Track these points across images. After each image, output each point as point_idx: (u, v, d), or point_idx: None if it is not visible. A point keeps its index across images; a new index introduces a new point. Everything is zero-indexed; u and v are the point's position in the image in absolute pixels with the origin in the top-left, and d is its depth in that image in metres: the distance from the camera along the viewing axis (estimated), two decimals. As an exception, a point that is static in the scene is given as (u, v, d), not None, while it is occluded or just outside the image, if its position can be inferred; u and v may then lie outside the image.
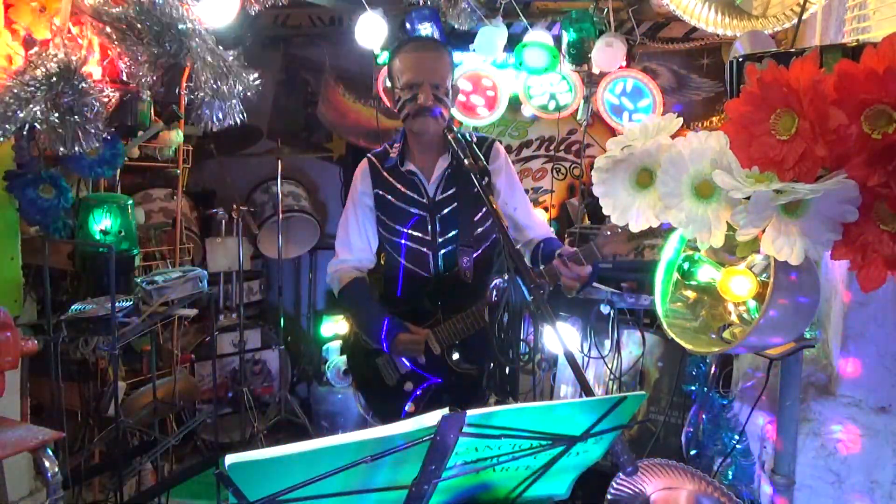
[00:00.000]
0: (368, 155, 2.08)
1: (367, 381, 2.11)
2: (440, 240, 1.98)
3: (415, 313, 1.99)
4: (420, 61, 1.89)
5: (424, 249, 1.99)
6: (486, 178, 1.67)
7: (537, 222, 2.11)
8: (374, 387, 2.08)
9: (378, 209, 2.03)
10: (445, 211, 1.97)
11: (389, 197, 2.00)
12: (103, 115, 1.76)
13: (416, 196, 1.98)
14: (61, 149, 1.68)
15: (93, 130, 1.71)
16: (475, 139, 2.01)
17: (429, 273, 2.00)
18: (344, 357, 2.15)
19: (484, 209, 1.94)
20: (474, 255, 1.95)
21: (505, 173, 2.03)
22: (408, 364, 2.01)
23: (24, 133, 1.90)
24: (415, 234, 1.99)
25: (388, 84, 2.00)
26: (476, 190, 1.92)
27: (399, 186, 1.99)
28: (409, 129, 1.96)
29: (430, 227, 1.98)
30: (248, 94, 1.93)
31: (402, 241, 2.00)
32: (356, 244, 2.08)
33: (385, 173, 2.02)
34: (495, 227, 2.00)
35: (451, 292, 1.96)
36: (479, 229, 1.98)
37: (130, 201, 2.54)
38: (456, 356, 1.96)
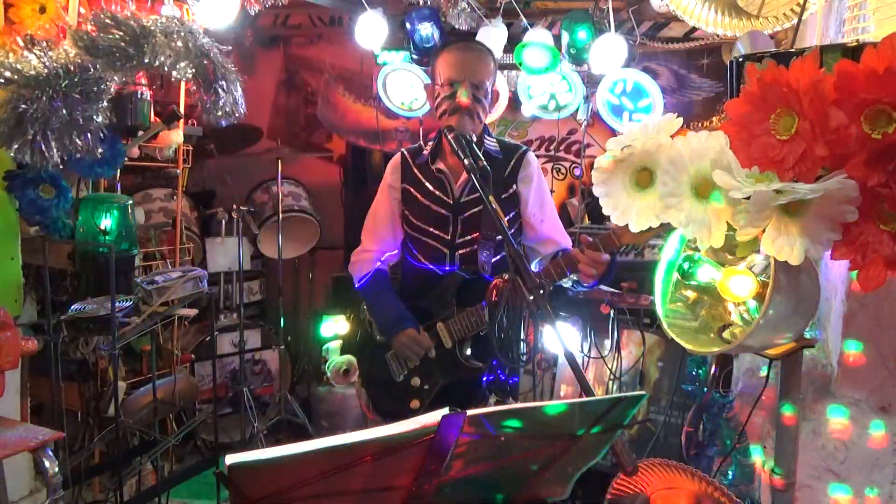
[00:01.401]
0: (403, 149, 2.10)
1: (373, 376, 2.09)
2: (458, 240, 1.98)
3: (430, 305, 1.99)
4: (462, 60, 1.90)
5: (442, 248, 2.00)
6: (487, 178, 1.66)
7: (563, 238, 2.08)
8: (380, 382, 2.07)
9: (403, 203, 2.05)
10: (468, 213, 1.97)
11: (416, 193, 2.02)
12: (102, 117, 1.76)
13: (441, 195, 1.99)
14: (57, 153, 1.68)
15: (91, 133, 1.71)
16: (506, 146, 2.02)
17: (443, 271, 2.01)
18: (344, 357, 2.15)
19: (509, 216, 1.96)
20: (493, 260, 1.94)
21: (535, 184, 2.02)
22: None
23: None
24: (435, 232, 2.00)
25: (430, 81, 1.99)
26: (504, 196, 1.93)
27: (426, 184, 2.01)
28: (443, 128, 1.94)
29: (451, 227, 1.98)
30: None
31: (422, 238, 2.01)
32: (381, 235, 2.10)
33: (415, 169, 2.03)
34: (518, 233, 2.03)
35: (469, 286, 1.96)
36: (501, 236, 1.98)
37: (130, 201, 2.53)
38: (468, 351, 1.96)
